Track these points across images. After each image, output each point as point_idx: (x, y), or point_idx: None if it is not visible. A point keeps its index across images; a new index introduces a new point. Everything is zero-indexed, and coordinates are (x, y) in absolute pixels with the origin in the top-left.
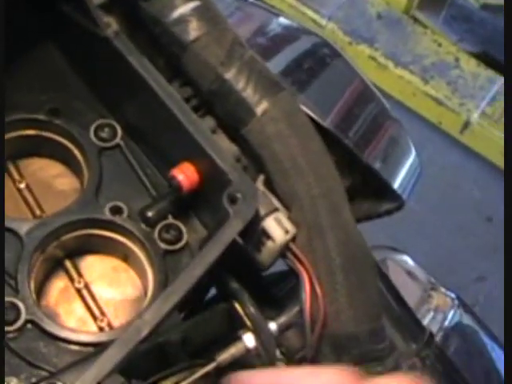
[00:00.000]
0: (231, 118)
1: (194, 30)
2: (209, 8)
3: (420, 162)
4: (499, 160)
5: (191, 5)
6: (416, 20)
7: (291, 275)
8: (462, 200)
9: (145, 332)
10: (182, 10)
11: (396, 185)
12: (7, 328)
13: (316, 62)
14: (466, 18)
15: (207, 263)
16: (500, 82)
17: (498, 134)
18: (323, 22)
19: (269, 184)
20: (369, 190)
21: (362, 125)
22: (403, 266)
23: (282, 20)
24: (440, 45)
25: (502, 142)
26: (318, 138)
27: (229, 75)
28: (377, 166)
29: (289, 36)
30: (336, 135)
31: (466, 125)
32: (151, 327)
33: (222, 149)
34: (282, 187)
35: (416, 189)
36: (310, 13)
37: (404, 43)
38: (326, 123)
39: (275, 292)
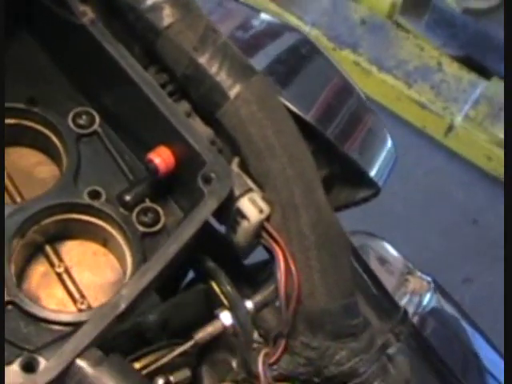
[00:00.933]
0: (205, 101)
1: (167, 16)
2: None
3: (395, 150)
4: (483, 162)
5: None
6: (399, 25)
7: (270, 263)
8: (447, 203)
9: (122, 306)
10: None
11: (373, 173)
12: None
13: (298, 59)
14: (448, 23)
15: (183, 241)
16: (483, 85)
17: (482, 137)
18: (307, 28)
19: (243, 166)
20: (346, 178)
21: (342, 118)
22: (381, 251)
23: (264, 16)
24: (423, 49)
25: (485, 145)
26: (290, 120)
27: (202, 60)
28: (355, 156)
29: (271, 32)
30: (317, 129)
31: (450, 128)
32: (128, 302)
33: (197, 131)
34: (256, 168)
35: (401, 192)
36: (293, 19)
37: (387, 48)
38: (308, 117)
39: (255, 278)
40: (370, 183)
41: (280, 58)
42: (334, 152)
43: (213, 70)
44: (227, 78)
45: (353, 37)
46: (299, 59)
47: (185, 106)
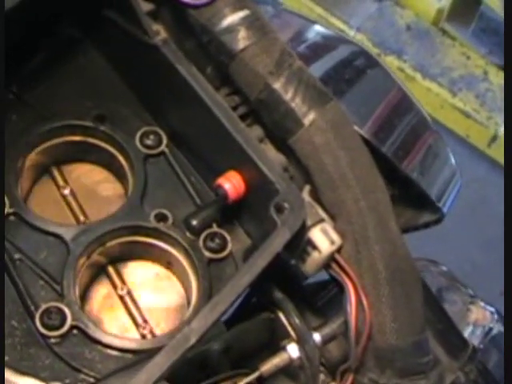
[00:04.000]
0: (279, 127)
1: (243, 39)
2: (258, 17)
3: (459, 174)
4: None
5: (240, 14)
6: (445, 32)
7: (330, 284)
8: (488, 213)
9: (193, 340)
10: (231, 19)
11: (435, 196)
12: (53, 333)
13: (353, 71)
14: (495, 31)
15: (255, 272)
16: None
17: None
18: (352, 32)
19: (314, 194)
20: (407, 200)
21: (400, 134)
22: (443, 279)
23: (319, 28)
24: (469, 57)
25: None
26: (365, 150)
27: (277, 85)
28: (415, 176)
29: (326, 44)
30: (373, 144)
31: (494, 138)
32: (199, 335)
33: (270, 158)
34: (329, 198)
35: None
36: (338, 23)
37: (432, 55)
38: (363, 132)
39: (316, 301)
40: (432, 207)
41: (335, 70)
42: (393, 171)
43: (288, 95)
44: (302, 104)
45: (398, 43)
46: (354, 71)
47: (258, 131)
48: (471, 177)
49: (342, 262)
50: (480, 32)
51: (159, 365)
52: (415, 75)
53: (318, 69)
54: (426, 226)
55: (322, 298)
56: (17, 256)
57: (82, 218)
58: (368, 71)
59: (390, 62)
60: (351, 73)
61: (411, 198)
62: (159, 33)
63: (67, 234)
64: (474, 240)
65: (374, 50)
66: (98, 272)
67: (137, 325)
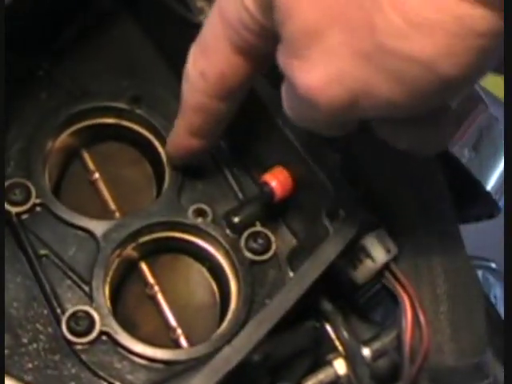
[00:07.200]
0: None
1: None
2: None
3: None
4: None
5: None
6: None
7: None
8: None
9: (235, 362)
10: None
11: (488, 186)
12: (80, 339)
13: None
14: None
15: (305, 285)
16: None
17: None
18: None
19: None
20: (455, 186)
21: None
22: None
23: None
24: None
25: None
26: None
27: None
28: (464, 158)
29: None
30: None
31: None
32: (242, 356)
33: (324, 156)
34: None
35: None
36: None
37: None
38: None
39: (357, 298)
40: (485, 198)
41: None
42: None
43: None
44: None
45: None
46: None
47: None
48: None
49: (398, 273)
50: None
51: None
52: None
53: None
54: (478, 218)
55: (363, 295)
56: (43, 252)
57: (112, 206)
58: None
59: None
60: None
61: (460, 184)
62: (204, 10)
63: (98, 228)
64: None
65: None
66: (129, 269)
67: (168, 327)
